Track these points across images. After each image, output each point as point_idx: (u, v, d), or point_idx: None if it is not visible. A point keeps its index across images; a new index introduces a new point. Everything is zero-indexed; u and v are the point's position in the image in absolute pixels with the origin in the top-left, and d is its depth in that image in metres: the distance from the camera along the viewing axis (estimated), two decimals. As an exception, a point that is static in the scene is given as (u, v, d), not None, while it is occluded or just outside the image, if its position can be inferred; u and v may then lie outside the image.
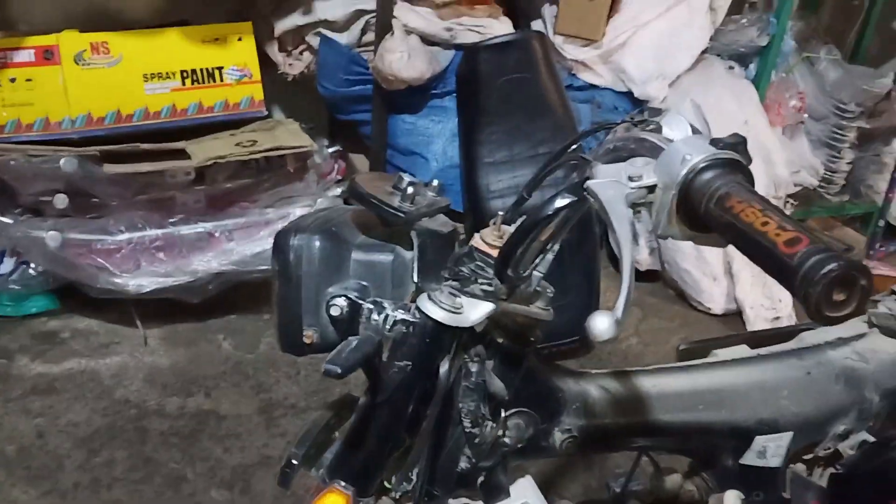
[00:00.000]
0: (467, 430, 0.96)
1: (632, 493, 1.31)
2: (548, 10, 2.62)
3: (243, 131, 2.32)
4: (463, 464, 0.99)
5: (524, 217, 0.84)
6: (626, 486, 1.29)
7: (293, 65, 2.51)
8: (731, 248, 2.45)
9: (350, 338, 0.86)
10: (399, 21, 2.27)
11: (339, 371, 0.80)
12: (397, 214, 0.90)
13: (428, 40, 2.36)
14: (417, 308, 0.89)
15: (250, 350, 2.45)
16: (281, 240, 0.91)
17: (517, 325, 0.97)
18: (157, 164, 2.07)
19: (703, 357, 1.36)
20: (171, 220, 2.25)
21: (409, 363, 0.89)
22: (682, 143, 0.73)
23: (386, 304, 0.89)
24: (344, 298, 0.90)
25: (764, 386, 1.19)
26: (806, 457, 1.24)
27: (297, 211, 2.28)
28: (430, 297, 0.89)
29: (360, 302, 0.90)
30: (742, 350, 1.44)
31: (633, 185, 0.72)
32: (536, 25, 2.66)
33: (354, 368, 0.82)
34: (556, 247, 0.90)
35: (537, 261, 0.87)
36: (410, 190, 0.95)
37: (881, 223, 3.14)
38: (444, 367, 0.92)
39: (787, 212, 2.88)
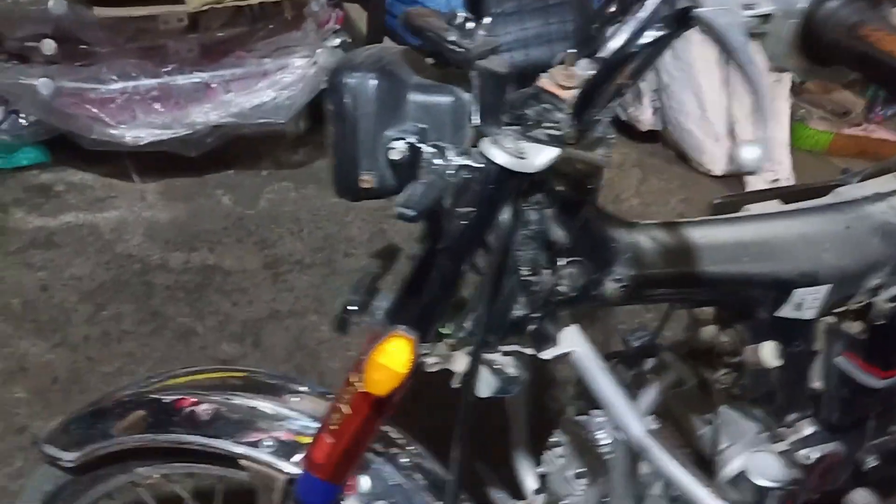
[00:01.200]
0: (524, 279, 0.95)
1: (659, 346, 1.32)
2: None
3: (237, -25, 2.19)
4: (516, 312, 0.98)
5: (603, 56, 0.79)
6: (655, 337, 1.30)
7: None
8: (735, 108, 2.40)
9: (415, 182, 0.82)
10: None
11: (415, 213, 0.77)
12: (460, 51, 0.85)
13: None
14: (480, 152, 0.86)
15: (250, 206, 2.41)
16: (334, 78, 0.86)
17: (577, 172, 0.94)
18: (150, 7, 1.96)
19: (736, 211, 1.35)
20: (164, 70, 2.16)
21: (472, 209, 0.87)
22: None
23: (448, 149, 0.85)
24: (404, 142, 0.86)
25: (806, 238, 1.18)
26: (836, 310, 1.25)
27: (296, 62, 2.19)
28: (494, 142, 0.85)
29: (421, 146, 0.86)
30: (775, 205, 1.43)
31: (748, 13, 0.67)
32: None
33: (427, 211, 0.78)
34: (626, 93, 0.86)
35: (612, 103, 0.83)
36: (469, 26, 0.89)
37: (882, 84, 3.09)
38: (505, 215, 0.89)
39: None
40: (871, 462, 1.44)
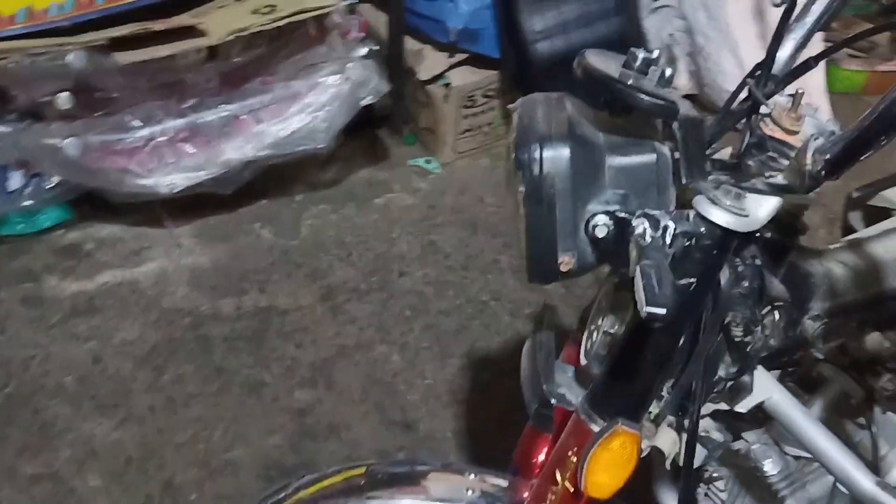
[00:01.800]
0: (737, 339, 0.84)
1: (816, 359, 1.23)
2: None
3: (250, -6, 2.04)
4: (721, 373, 0.88)
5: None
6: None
7: None
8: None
9: (641, 265, 0.70)
10: None
11: (666, 312, 0.65)
12: (666, 103, 0.73)
13: None
14: (697, 214, 0.75)
15: (292, 236, 2.28)
16: (522, 155, 0.74)
17: (786, 214, 0.83)
18: (174, 45, 1.81)
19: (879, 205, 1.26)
20: (187, 106, 2.01)
21: (693, 279, 0.76)
22: None
23: (659, 216, 0.74)
24: (607, 216, 0.74)
25: None
26: None
27: (329, 80, 2.05)
28: (711, 199, 0.74)
29: (627, 216, 0.74)
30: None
31: None
32: None
33: (676, 305, 0.67)
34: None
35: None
36: (654, 69, 0.77)
37: (908, 14, 3.02)
38: (724, 278, 0.79)
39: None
40: None
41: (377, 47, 2.16)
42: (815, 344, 0.94)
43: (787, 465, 1.13)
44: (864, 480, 0.92)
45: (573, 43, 2.09)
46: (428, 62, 2.35)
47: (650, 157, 0.75)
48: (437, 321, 2.08)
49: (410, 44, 2.37)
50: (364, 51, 2.11)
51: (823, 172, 0.68)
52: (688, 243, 0.74)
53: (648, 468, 1.14)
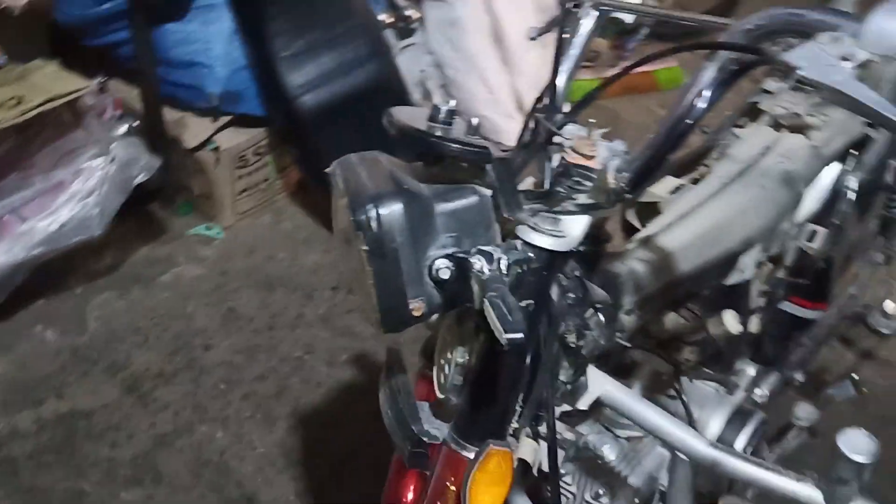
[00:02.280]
0: (572, 345, 0.92)
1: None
2: None
3: (-10, 88, 1.91)
4: (561, 377, 0.96)
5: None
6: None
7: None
8: (518, 83, 2.49)
9: (489, 298, 0.76)
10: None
11: (523, 335, 0.72)
12: (480, 150, 0.80)
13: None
14: (523, 243, 0.82)
15: (80, 332, 2.15)
16: (361, 216, 0.78)
17: (593, 226, 0.92)
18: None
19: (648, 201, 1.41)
20: (-64, 217, 1.85)
21: (531, 301, 0.83)
22: (889, 15, 0.70)
23: (492, 250, 0.80)
24: (447, 259, 0.80)
25: (741, 209, 1.25)
26: (759, 264, 1.34)
27: (93, 163, 1.96)
28: (532, 227, 0.82)
29: (464, 256, 0.80)
30: (672, 181, 1.50)
31: (848, 64, 0.69)
32: None
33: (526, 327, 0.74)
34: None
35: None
36: (457, 119, 0.84)
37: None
38: (554, 294, 0.86)
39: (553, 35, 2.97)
40: (800, 378, 1.59)
41: (137, 123, 2.10)
42: (629, 332, 1.05)
43: (622, 448, 1.24)
44: (700, 445, 1.04)
45: (336, 92, 2.15)
46: (192, 129, 2.31)
47: (473, 199, 0.81)
48: (254, 388, 2.05)
49: (170, 114, 2.31)
50: (124, 128, 2.04)
51: (626, 188, 0.78)
52: (520, 270, 0.81)
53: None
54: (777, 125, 1.42)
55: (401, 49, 2.50)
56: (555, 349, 0.91)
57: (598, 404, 1.07)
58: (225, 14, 2.19)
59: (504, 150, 0.85)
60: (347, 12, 2.16)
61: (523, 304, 0.82)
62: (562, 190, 0.83)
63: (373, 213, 0.77)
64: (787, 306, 1.36)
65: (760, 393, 1.45)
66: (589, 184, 0.82)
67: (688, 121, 0.74)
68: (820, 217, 1.35)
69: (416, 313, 0.81)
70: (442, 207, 0.81)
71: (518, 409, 0.92)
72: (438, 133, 0.81)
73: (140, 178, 1.98)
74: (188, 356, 2.11)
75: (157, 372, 2.06)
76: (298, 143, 2.33)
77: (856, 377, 1.92)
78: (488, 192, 0.82)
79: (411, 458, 0.90)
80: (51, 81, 1.89)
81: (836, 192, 1.38)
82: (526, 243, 0.82)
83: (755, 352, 1.43)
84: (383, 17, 2.40)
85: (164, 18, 2.19)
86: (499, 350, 0.84)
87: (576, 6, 1.04)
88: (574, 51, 1.03)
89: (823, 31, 0.75)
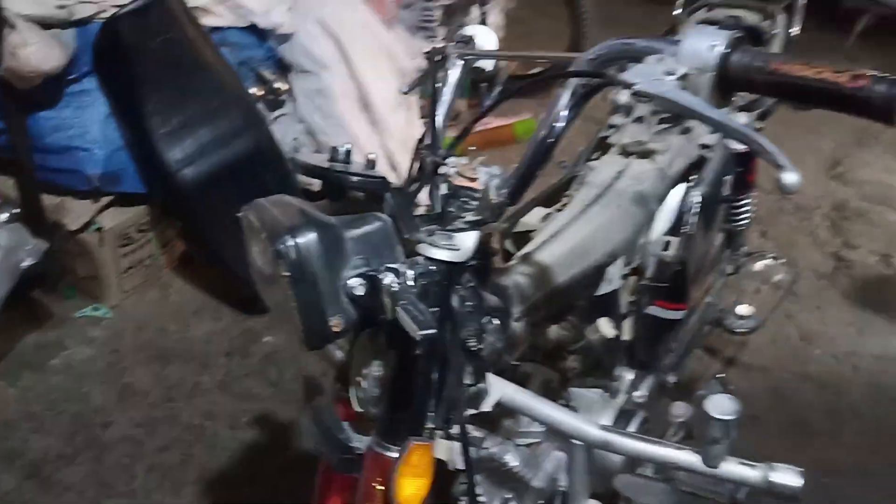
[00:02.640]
0: (473, 349, 1.04)
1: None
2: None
3: None
4: (466, 381, 1.08)
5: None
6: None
7: None
8: (387, 141, 2.69)
9: (401, 305, 0.88)
10: (11, 11, 1.99)
11: (435, 329, 0.83)
12: (378, 180, 0.92)
13: (44, 24, 2.10)
14: (424, 258, 0.94)
15: (-30, 424, 2.10)
16: (280, 246, 0.88)
17: (481, 242, 1.06)
18: None
19: (521, 230, 1.56)
20: None
21: (437, 308, 0.95)
22: (698, 35, 0.86)
23: (399, 267, 0.92)
24: (360, 277, 0.91)
25: (604, 226, 1.42)
26: (636, 279, 1.52)
27: (-26, 252, 1.96)
28: (431, 244, 0.94)
29: (375, 273, 0.91)
30: (539, 211, 1.66)
31: (671, 77, 0.85)
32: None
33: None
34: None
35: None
36: (354, 159, 0.97)
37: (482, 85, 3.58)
38: (454, 302, 0.98)
39: (416, 99, 3.15)
40: (672, 380, 1.77)
41: (16, 210, 2.11)
42: (522, 338, 1.18)
43: (523, 454, 1.36)
44: (592, 429, 1.17)
45: (215, 163, 2.23)
46: (74, 212, 2.33)
47: (377, 225, 0.93)
48: (158, 459, 2.06)
49: (50, 199, 2.33)
50: (4, 216, 2.05)
51: (507, 201, 0.92)
52: (424, 282, 0.93)
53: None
54: (626, 153, 1.62)
55: (273, 120, 2.61)
56: (461, 352, 1.03)
57: (498, 415, 1.20)
58: (99, 97, 2.24)
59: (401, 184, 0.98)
60: (219, 87, 2.26)
61: (431, 311, 0.94)
62: (453, 210, 0.95)
63: (291, 243, 0.88)
64: (653, 310, 1.52)
65: (639, 394, 1.61)
66: (475, 203, 0.96)
67: (549, 139, 0.89)
68: (672, 229, 1.54)
69: (335, 329, 0.91)
70: (350, 234, 0.92)
71: (431, 412, 1.03)
72: (340, 169, 0.93)
73: (27, 263, 1.99)
74: (88, 435, 2.10)
75: (57, 454, 2.05)
76: (181, 217, 2.39)
77: (723, 377, 2.13)
78: (389, 219, 0.94)
79: (341, 464, 0.99)
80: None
81: (684, 207, 1.57)
82: (427, 258, 0.94)
83: (631, 358, 1.59)
84: (253, 90, 2.51)
85: (38, 107, 2.22)
86: (412, 355, 0.95)
87: (442, 59, 1.19)
88: (446, 97, 1.18)
89: (650, 54, 0.91)
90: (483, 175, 0.97)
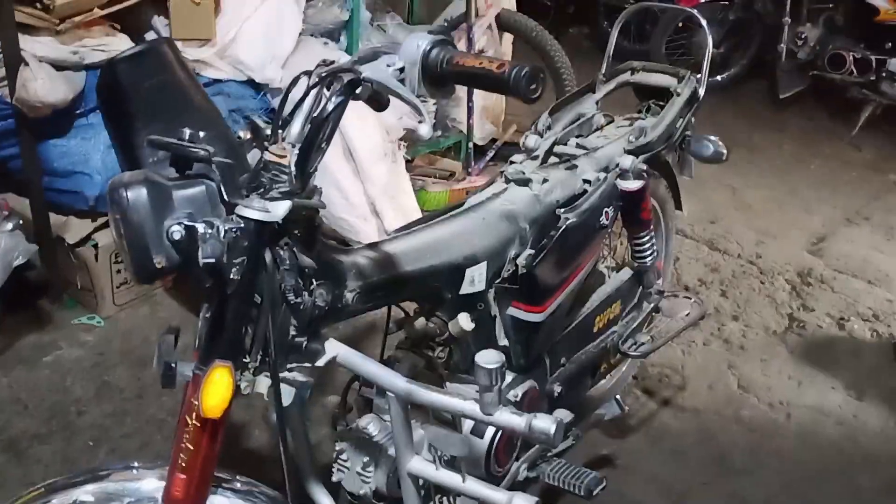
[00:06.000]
0: (292, 303, 1.29)
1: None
2: (158, 21, 2.85)
3: None
4: (292, 333, 1.32)
5: (307, 125, 1.19)
6: (386, 334, 1.70)
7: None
8: (369, 190, 3.00)
9: (201, 247, 1.14)
10: (28, 52, 2.38)
11: (216, 257, 1.10)
12: (203, 153, 1.19)
13: (58, 66, 2.48)
14: (239, 216, 1.20)
15: (-37, 406, 2.41)
16: (115, 195, 1.16)
17: (305, 216, 1.31)
18: None
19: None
20: None
21: (245, 258, 1.20)
22: (412, 38, 1.13)
23: (213, 220, 1.18)
24: (179, 225, 1.17)
25: (463, 232, 1.67)
26: (497, 280, 1.73)
27: (-21, 253, 2.30)
28: (246, 205, 1.20)
29: (195, 224, 1.17)
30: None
31: (391, 68, 1.11)
32: (150, 37, 2.88)
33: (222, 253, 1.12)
34: (328, 147, 1.25)
35: (319, 159, 1.22)
36: (197, 135, 1.25)
37: (470, 146, 3.89)
38: (268, 258, 1.23)
39: (401, 152, 3.46)
40: (557, 390, 1.95)
41: (21, 221, 2.45)
42: (356, 308, 1.41)
43: (384, 427, 1.58)
44: (399, 381, 1.39)
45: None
46: (74, 229, 2.68)
47: (201, 188, 1.20)
48: (120, 444, 2.32)
49: (55, 218, 2.68)
50: (9, 226, 2.40)
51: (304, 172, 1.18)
52: (235, 234, 1.18)
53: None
54: (508, 181, 1.86)
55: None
56: (279, 301, 1.27)
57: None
58: (101, 131, 2.60)
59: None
60: (205, 126, 2.57)
61: (239, 259, 1.19)
62: (265, 181, 1.21)
63: (123, 193, 1.15)
64: (512, 310, 1.74)
65: (514, 394, 1.81)
66: (284, 177, 1.21)
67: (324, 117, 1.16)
68: (534, 244, 1.76)
69: (158, 266, 1.17)
70: (178, 193, 1.19)
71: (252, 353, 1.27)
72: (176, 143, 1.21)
73: (18, 261, 2.32)
74: (63, 420, 2.38)
75: (34, 433, 2.33)
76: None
77: (618, 398, 2.30)
78: (213, 184, 1.21)
79: (163, 379, 1.24)
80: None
81: (555, 227, 1.79)
82: (240, 217, 1.19)
83: (508, 360, 1.79)
84: (241, 133, 2.83)
85: (49, 135, 2.59)
86: (224, 294, 1.20)
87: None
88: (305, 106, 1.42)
89: (384, 54, 1.18)
90: (293, 157, 1.23)
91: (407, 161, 3.53)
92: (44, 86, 2.33)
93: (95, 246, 2.70)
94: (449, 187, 3.66)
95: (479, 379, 1.30)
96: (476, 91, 3.67)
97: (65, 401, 2.46)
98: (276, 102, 3.06)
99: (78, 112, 2.61)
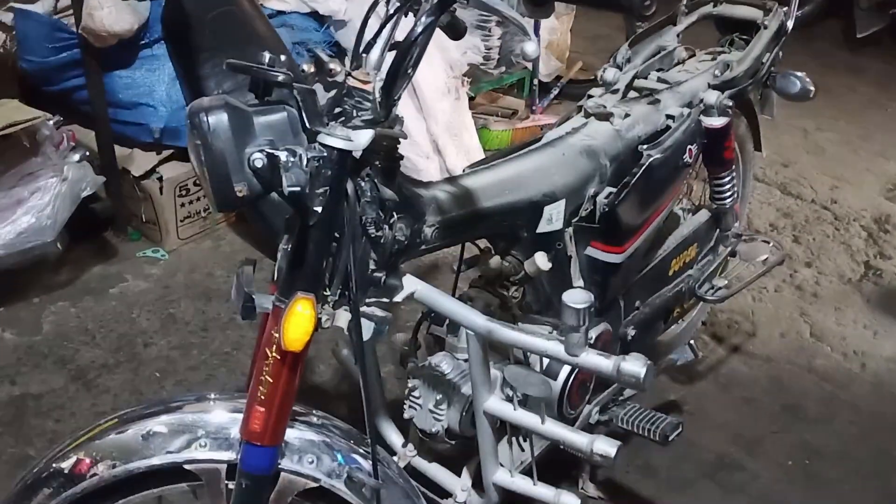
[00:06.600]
0: (372, 236, 1.25)
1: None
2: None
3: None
4: (371, 266, 1.28)
5: (393, 50, 1.13)
6: (458, 271, 1.66)
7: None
8: (432, 128, 2.93)
9: (285, 176, 1.10)
10: (94, -20, 2.35)
11: (301, 186, 1.06)
12: (286, 77, 1.14)
13: (124, -6, 2.45)
14: (321, 144, 1.15)
15: (34, 333, 2.45)
16: (196, 120, 1.11)
17: (386, 147, 1.26)
18: None
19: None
20: None
21: (327, 188, 1.15)
22: None
23: (295, 148, 1.14)
24: (261, 153, 1.12)
25: (542, 168, 1.60)
26: (574, 219, 1.67)
27: (48, 182, 2.30)
28: (328, 133, 1.15)
29: (276, 152, 1.13)
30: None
31: None
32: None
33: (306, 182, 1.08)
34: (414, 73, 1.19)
35: (404, 86, 1.17)
36: (278, 59, 1.19)
37: (535, 83, 3.79)
38: (349, 189, 1.19)
39: (464, 89, 3.38)
40: (631, 333, 1.90)
41: (88, 153, 2.45)
42: (434, 243, 1.37)
43: (457, 365, 1.55)
44: (479, 319, 1.35)
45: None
46: (139, 161, 2.67)
47: (283, 115, 1.15)
48: (186, 376, 2.34)
49: (120, 150, 2.68)
50: (77, 157, 2.40)
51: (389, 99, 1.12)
52: (318, 164, 1.14)
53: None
54: (587, 115, 1.79)
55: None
56: (359, 234, 1.23)
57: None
58: (166, 62, 2.57)
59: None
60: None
61: (321, 189, 1.15)
62: (347, 107, 1.16)
63: (203, 118, 1.10)
64: (590, 251, 1.68)
65: (589, 336, 1.76)
66: (367, 104, 1.16)
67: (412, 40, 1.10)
68: (616, 181, 1.69)
69: (239, 194, 1.13)
70: (259, 119, 1.14)
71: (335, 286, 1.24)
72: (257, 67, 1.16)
73: (86, 192, 2.32)
74: (130, 352, 2.40)
75: (102, 363, 2.35)
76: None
77: (692, 343, 2.24)
78: (294, 111, 1.16)
79: (244, 310, 1.21)
80: (11, 112, 2.25)
81: (637, 164, 1.72)
82: (322, 145, 1.15)
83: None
84: (305, 66, 2.77)
85: (114, 66, 2.57)
86: (306, 225, 1.16)
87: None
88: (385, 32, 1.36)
89: None
90: (377, 82, 1.18)
91: (469, 98, 3.45)
92: (110, 15, 2.30)
93: (160, 179, 2.70)
94: (512, 126, 3.57)
95: (565, 319, 1.25)
96: (543, 23, 3.54)
97: (131, 332, 2.48)
98: (339, 35, 3.01)
99: (143, 43, 2.58)
